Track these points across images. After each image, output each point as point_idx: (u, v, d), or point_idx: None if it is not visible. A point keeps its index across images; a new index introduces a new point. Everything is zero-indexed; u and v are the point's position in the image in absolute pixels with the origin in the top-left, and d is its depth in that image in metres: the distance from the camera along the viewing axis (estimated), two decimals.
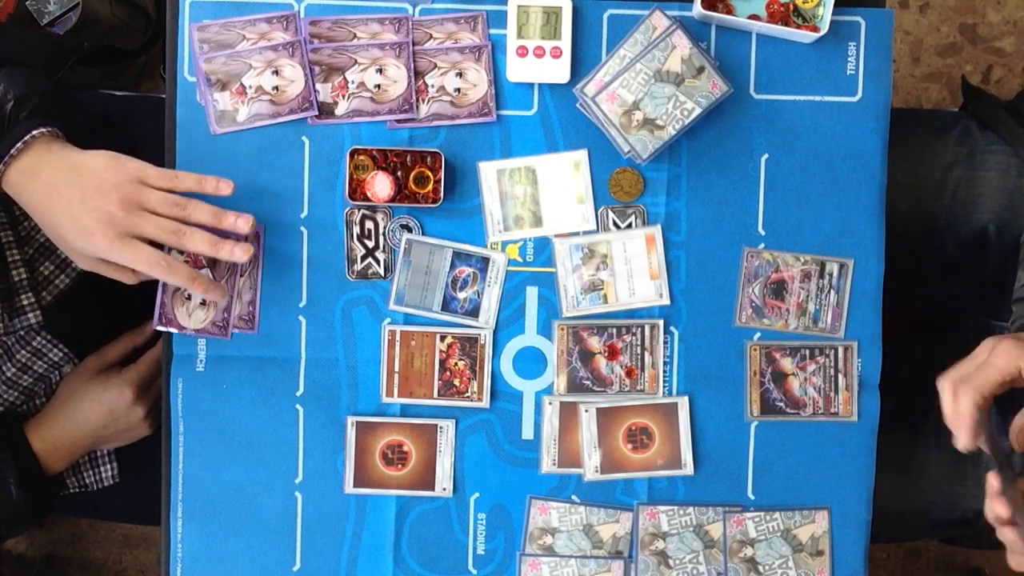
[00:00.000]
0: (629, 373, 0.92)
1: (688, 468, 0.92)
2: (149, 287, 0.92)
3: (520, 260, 0.91)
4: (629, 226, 0.91)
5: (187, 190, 0.84)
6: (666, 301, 0.91)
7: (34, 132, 0.83)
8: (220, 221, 0.83)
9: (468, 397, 0.92)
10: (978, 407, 0.74)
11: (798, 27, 0.88)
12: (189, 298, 0.89)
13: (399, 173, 0.88)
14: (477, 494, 0.93)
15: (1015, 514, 0.73)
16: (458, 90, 0.89)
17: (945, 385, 0.77)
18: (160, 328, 0.89)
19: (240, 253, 0.83)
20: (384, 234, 0.91)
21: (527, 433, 0.92)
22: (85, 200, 0.81)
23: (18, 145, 0.82)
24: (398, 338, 0.91)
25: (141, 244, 0.81)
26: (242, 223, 0.84)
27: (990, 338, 0.78)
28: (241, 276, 0.89)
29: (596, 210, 0.91)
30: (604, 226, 0.91)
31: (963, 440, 0.75)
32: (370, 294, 0.91)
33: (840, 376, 0.92)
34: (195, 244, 0.82)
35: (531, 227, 0.91)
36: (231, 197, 0.89)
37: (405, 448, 0.92)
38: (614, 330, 0.91)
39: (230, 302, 0.89)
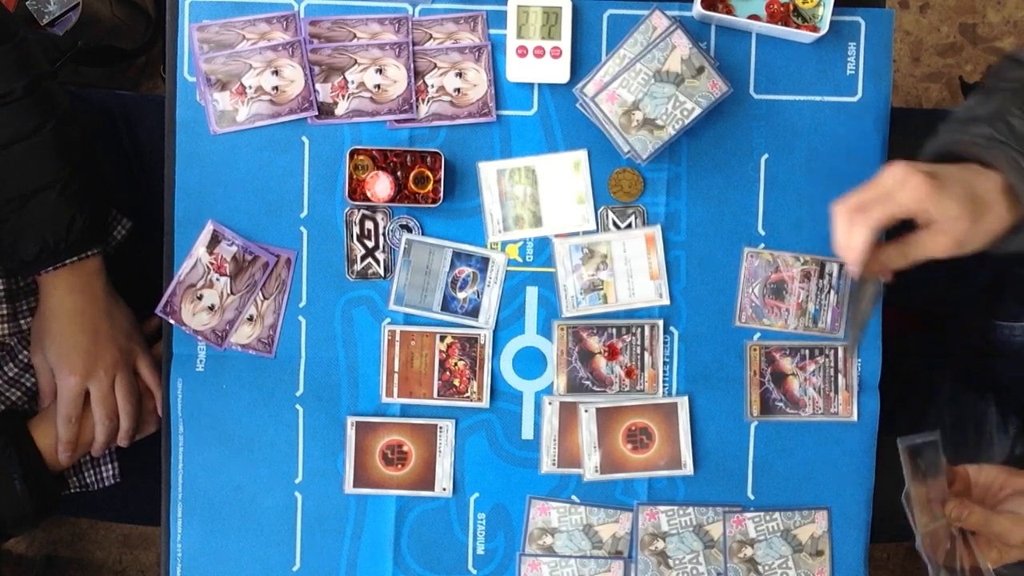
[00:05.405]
0: (629, 373, 0.92)
1: (688, 468, 0.92)
2: (149, 288, 0.92)
3: (520, 260, 0.91)
4: (629, 226, 0.91)
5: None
6: (666, 301, 0.91)
7: (89, 252, 0.89)
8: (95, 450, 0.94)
9: (468, 397, 0.92)
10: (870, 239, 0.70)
11: (798, 27, 0.88)
12: (200, 299, 0.89)
13: (399, 173, 0.88)
14: (477, 494, 0.93)
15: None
16: (458, 90, 0.89)
17: (841, 211, 0.72)
18: (160, 315, 0.90)
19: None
20: (384, 234, 0.91)
21: (527, 433, 0.92)
22: (90, 346, 0.90)
23: (73, 259, 0.88)
24: (398, 338, 0.91)
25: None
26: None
27: (899, 165, 0.70)
28: (265, 300, 0.90)
29: (596, 210, 0.91)
30: (604, 226, 0.91)
31: (855, 270, 0.72)
32: (370, 294, 0.91)
33: (840, 376, 0.92)
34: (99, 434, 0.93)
35: (531, 227, 0.91)
36: (234, 194, 0.90)
37: (405, 448, 0.92)
38: (614, 330, 0.91)
39: (236, 318, 0.90)
